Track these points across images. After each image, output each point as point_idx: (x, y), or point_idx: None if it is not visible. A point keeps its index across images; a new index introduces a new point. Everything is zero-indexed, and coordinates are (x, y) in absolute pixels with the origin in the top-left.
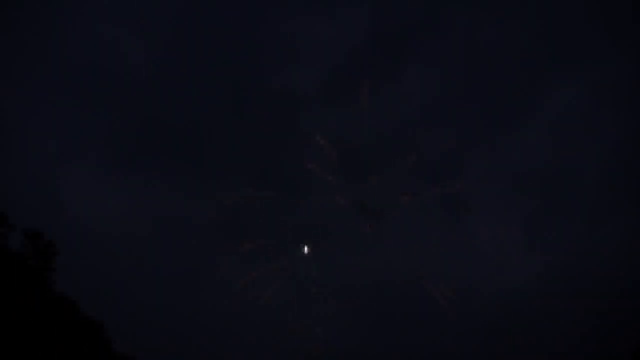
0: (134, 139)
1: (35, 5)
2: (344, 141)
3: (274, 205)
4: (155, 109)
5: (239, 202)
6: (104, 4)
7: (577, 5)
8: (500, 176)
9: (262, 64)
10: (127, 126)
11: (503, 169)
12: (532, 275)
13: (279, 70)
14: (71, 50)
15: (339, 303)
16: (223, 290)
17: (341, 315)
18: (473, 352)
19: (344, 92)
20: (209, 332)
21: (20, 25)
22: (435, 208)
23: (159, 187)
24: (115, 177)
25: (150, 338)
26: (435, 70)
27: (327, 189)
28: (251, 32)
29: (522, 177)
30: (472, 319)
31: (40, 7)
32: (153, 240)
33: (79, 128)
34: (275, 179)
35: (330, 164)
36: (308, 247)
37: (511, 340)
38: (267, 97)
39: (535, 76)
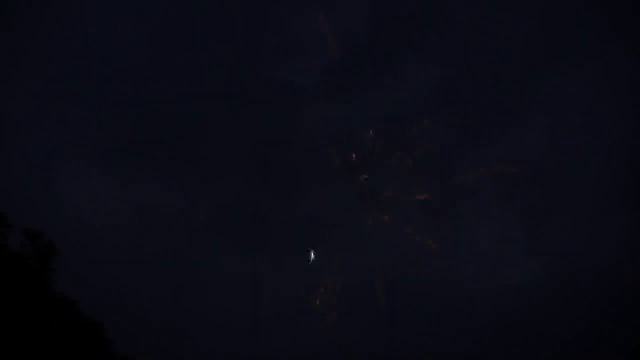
0: (133, 137)
1: (35, 7)
2: (345, 136)
3: (273, 201)
4: (154, 106)
5: (239, 200)
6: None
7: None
8: (501, 172)
9: (261, 60)
10: (126, 125)
11: (504, 164)
12: (532, 274)
13: (278, 65)
14: (68, 51)
15: (340, 302)
16: (224, 289)
17: (341, 313)
18: (472, 351)
19: (344, 87)
20: (209, 332)
21: (17, 26)
22: (434, 204)
23: (158, 186)
24: (114, 176)
25: (151, 338)
26: (434, 65)
27: (328, 184)
28: (250, 28)
29: (523, 173)
30: (471, 318)
31: (40, 9)
32: (153, 240)
33: (77, 128)
34: (276, 175)
35: (331, 159)
36: (313, 253)
37: (511, 339)
38: (267, 92)
39: (535, 71)
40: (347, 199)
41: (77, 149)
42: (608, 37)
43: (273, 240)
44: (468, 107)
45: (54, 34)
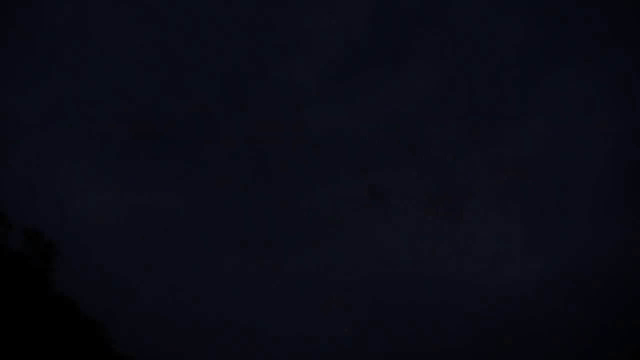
0: (133, 137)
1: (35, 10)
2: (345, 135)
3: (274, 201)
4: (153, 106)
5: (239, 199)
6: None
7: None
8: (502, 173)
9: (262, 59)
10: (125, 125)
11: (504, 164)
12: (532, 273)
13: (279, 65)
14: (68, 53)
15: (339, 300)
16: (223, 288)
17: (340, 312)
18: (473, 349)
19: (344, 86)
20: (209, 331)
21: (18, 29)
22: (436, 205)
23: (158, 186)
24: (114, 176)
25: (150, 338)
26: (435, 66)
27: (329, 183)
28: (251, 28)
29: (523, 173)
30: (472, 316)
31: (41, 12)
32: (152, 239)
33: (77, 128)
34: (276, 175)
35: (331, 157)
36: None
37: (511, 338)
38: (267, 92)
39: (535, 72)
40: (348, 198)
41: (77, 149)
42: (607, 38)
43: (273, 240)
44: (468, 108)
45: (54, 37)
